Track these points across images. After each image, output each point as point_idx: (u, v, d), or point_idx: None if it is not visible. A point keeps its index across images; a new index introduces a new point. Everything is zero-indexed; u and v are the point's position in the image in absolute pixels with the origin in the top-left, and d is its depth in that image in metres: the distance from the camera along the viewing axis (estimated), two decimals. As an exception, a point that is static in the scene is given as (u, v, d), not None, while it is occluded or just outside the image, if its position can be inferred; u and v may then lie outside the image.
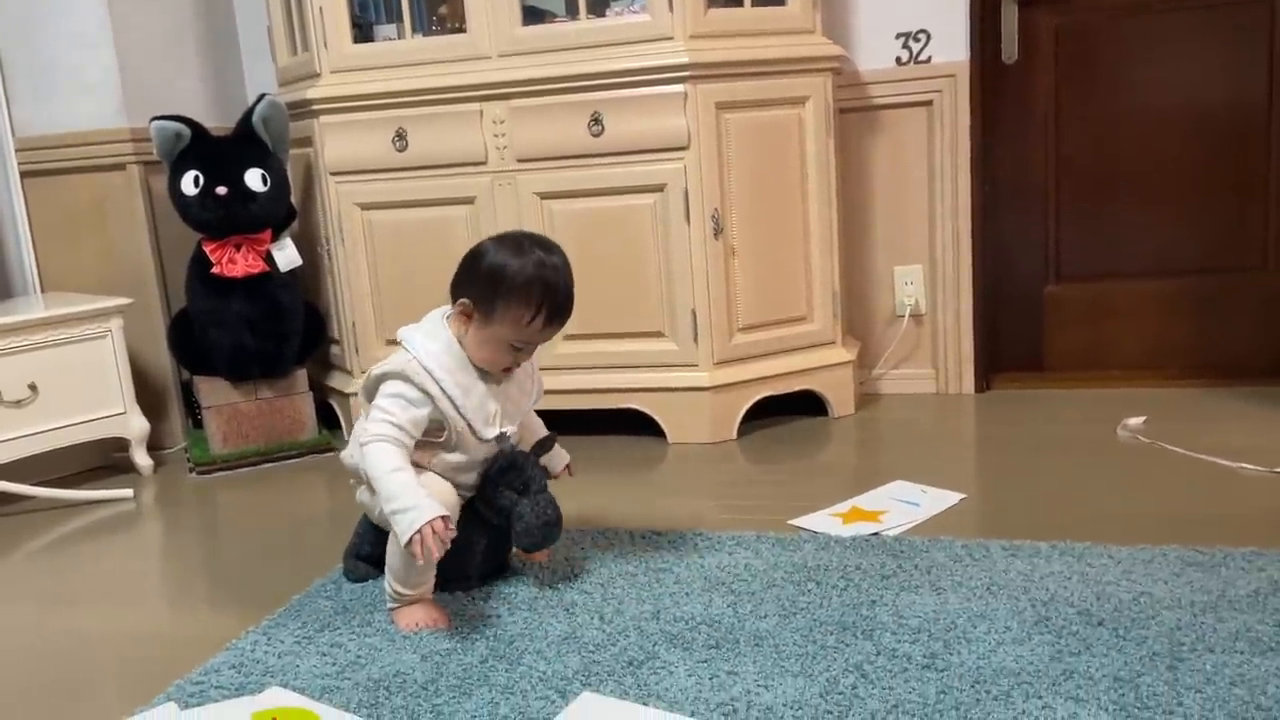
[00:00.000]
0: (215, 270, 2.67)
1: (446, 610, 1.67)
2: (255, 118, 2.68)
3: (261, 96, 2.71)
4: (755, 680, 1.40)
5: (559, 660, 1.50)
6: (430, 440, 1.63)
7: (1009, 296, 2.93)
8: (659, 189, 2.51)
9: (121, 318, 2.66)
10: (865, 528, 1.93)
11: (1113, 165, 2.81)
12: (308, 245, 2.88)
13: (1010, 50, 2.81)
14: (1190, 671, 1.34)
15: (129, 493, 2.52)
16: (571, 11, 2.60)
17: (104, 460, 2.78)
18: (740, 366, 2.60)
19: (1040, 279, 2.92)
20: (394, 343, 1.71)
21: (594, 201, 2.53)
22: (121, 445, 2.72)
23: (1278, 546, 1.71)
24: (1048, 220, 2.88)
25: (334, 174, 2.70)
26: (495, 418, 1.66)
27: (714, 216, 2.51)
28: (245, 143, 2.70)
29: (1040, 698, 1.31)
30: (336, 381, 2.92)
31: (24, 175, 2.86)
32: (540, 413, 1.87)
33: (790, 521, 2.00)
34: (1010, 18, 2.79)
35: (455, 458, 1.66)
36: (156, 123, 2.64)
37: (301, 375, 2.83)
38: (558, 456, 1.84)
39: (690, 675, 1.43)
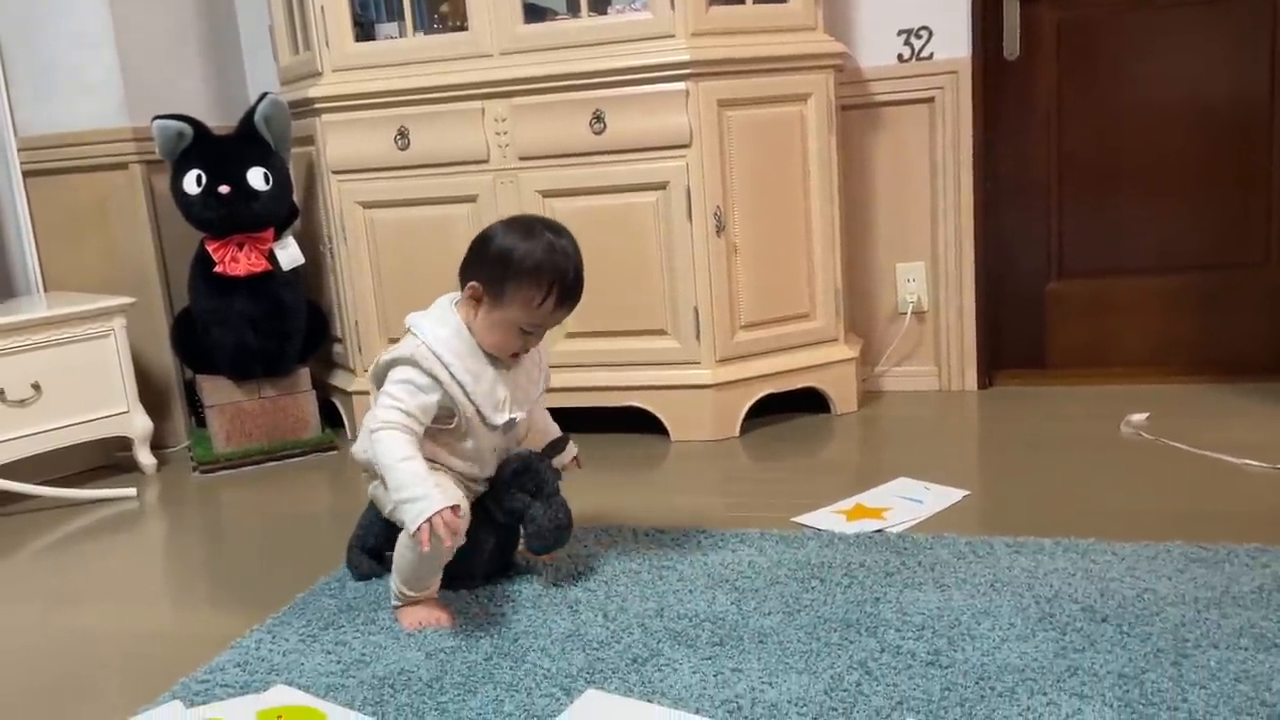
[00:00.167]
0: (218, 269, 2.67)
1: (450, 609, 1.67)
2: (257, 116, 2.68)
3: (263, 95, 2.70)
4: (760, 677, 1.40)
5: (564, 658, 1.50)
6: (440, 427, 1.63)
7: (1011, 293, 2.93)
8: (661, 187, 2.51)
9: (124, 317, 2.66)
10: (869, 525, 1.93)
11: (1115, 161, 2.81)
12: (310, 244, 2.88)
13: (1012, 46, 2.81)
14: (1194, 668, 1.34)
15: (132, 492, 2.52)
16: (573, 9, 2.60)
17: (107, 459, 2.78)
18: (743, 364, 2.60)
19: (1043, 275, 2.92)
20: (397, 341, 1.71)
21: (596, 199, 2.53)
22: (125, 444, 2.72)
23: (1282, 542, 1.71)
24: (1050, 216, 2.88)
25: (336, 173, 2.70)
26: (505, 404, 1.65)
27: (716, 214, 2.51)
28: (247, 141, 2.70)
29: (1045, 694, 1.31)
30: (339, 380, 2.92)
31: (26, 175, 2.86)
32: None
33: (794, 519, 2.00)
34: (1012, 13, 2.79)
35: (465, 445, 1.65)
36: (159, 122, 2.64)
37: (304, 374, 2.83)
38: (566, 450, 1.84)
39: (695, 672, 1.43)
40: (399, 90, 2.59)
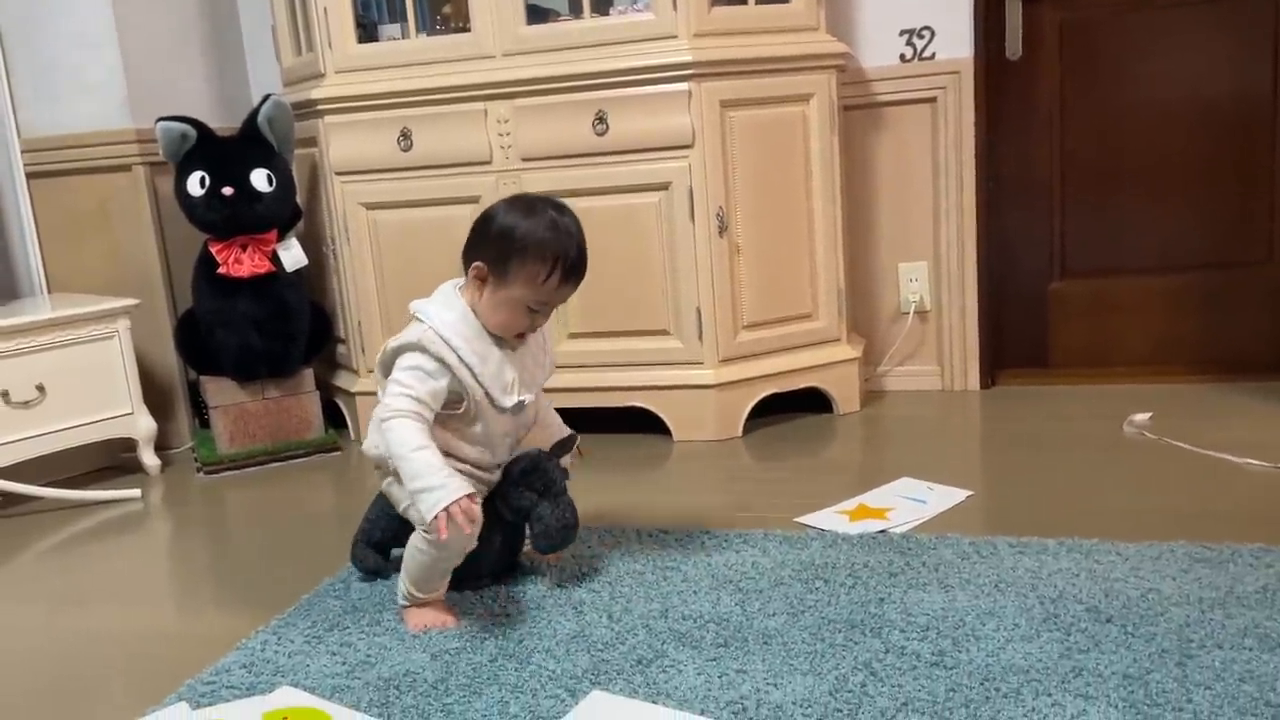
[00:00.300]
0: (221, 270, 2.68)
1: (456, 611, 1.67)
2: (260, 118, 2.69)
3: (267, 97, 2.71)
4: (764, 678, 1.40)
5: (568, 659, 1.50)
6: (450, 413, 1.61)
7: (1014, 292, 2.93)
8: (664, 187, 2.51)
9: (128, 318, 2.66)
10: (872, 525, 1.94)
11: (1117, 160, 2.81)
12: (313, 245, 2.89)
13: (1014, 46, 2.81)
14: (1199, 668, 1.34)
15: (137, 493, 2.53)
16: (575, 10, 2.60)
17: (111, 460, 2.79)
18: (745, 364, 2.61)
19: (1045, 275, 2.92)
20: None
21: (599, 200, 2.53)
22: (129, 445, 2.72)
23: (1285, 542, 1.71)
24: (1052, 216, 2.88)
25: (339, 174, 2.71)
26: (513, 386, 1.65)
27: (719, 214, 2.51)
28: (251, 143, 2.70)
29: (1050, 695, 1.31)
30: (343, 381, 2.93)
31: (30, 176, 2.86)
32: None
33: (797, 519, 2.00)
34: (1014, 13, 2.79)
35: (474, 430, 1.64)
36: (162, 123, 2.64)
37: (308, 374, 2.84)
38: (562, 431, 1.83)
39: (699, 674, 1.43)
40: (402, 92, 2.60)
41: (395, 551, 1.79)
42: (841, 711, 1.31)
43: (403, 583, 1.65)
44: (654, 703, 1.37)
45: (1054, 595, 1.58)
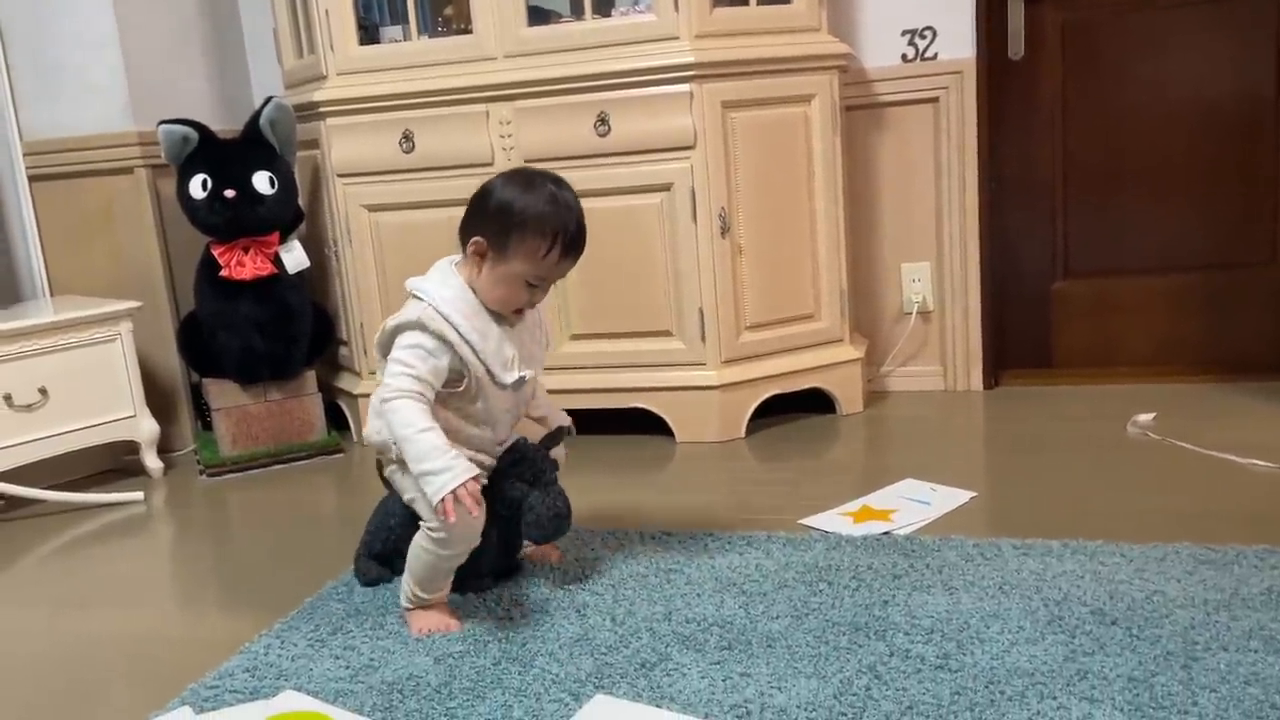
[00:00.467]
0: (224, 273, 2.68)
1: (459, 614, 1.67)
2: (262, 120, 2.69)
3: (269, 99, 2.71)
4: (769, 682, 1.40)
5: (571, 663, 1.50)
6: (450, 391, 1.60)
7: (1016, 293, 2.93)
8: (666, 188, 2.51)
9: (131, 321, 2.67)
10: (876, 527, 1.93)
11: (1120, 161, 2.80)
12: (315, 247, 2.89)
13: (1016, 47, 2.80)
14: (1204, 670, 1.34)
15: (139, 495, 2.53)
16: (577, 12, 2.60)
17: (114, 463, 2.79)
18: (748, 365, 2.60)
19: (1048, 275, 2.91)
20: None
21: (601, 201, 2.51)
22: (132, 448, 2.73)
23: (1290, 543, 1.71)
24: (1055, 216, 2.88)
25: (341, 176, 2.71)
26: (513, 362, 1.63)
27: (721, 215, 2.51)
28: (252, 145, 2.70)
29: (1055, 698, 1.31)
30: (345, 383, 2.93)
31: (32, 179, 2.86)
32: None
33: (800, 521, 2.00)
34: (1016, 14, 2.78)
35: (475, 408, 1.62)
36: (164, 126, 2.64)
37: (310, 377, 2.84)
38: (558, 417, 1.82)
39: (703, 677, 1.43)
40: (403, 93, 2.60)
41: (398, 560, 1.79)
42: (846, 715, 1.31)
43: (406, 584, 1.65)
44: (658, 706, 1.37)
45: (1058, 597, 1.58)
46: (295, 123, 2.74)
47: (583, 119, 2.51)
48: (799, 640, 1.51)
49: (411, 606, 1.66)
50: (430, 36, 2.68)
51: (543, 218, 1.56)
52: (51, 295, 2.90)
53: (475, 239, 1.59)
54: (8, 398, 2.46)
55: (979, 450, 2.48)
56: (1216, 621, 1.47)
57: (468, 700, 1.42)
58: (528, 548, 1.88)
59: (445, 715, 1.39)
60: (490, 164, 2.59)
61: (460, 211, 2.59)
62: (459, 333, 1.57)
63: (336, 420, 2.95)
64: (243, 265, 2.68)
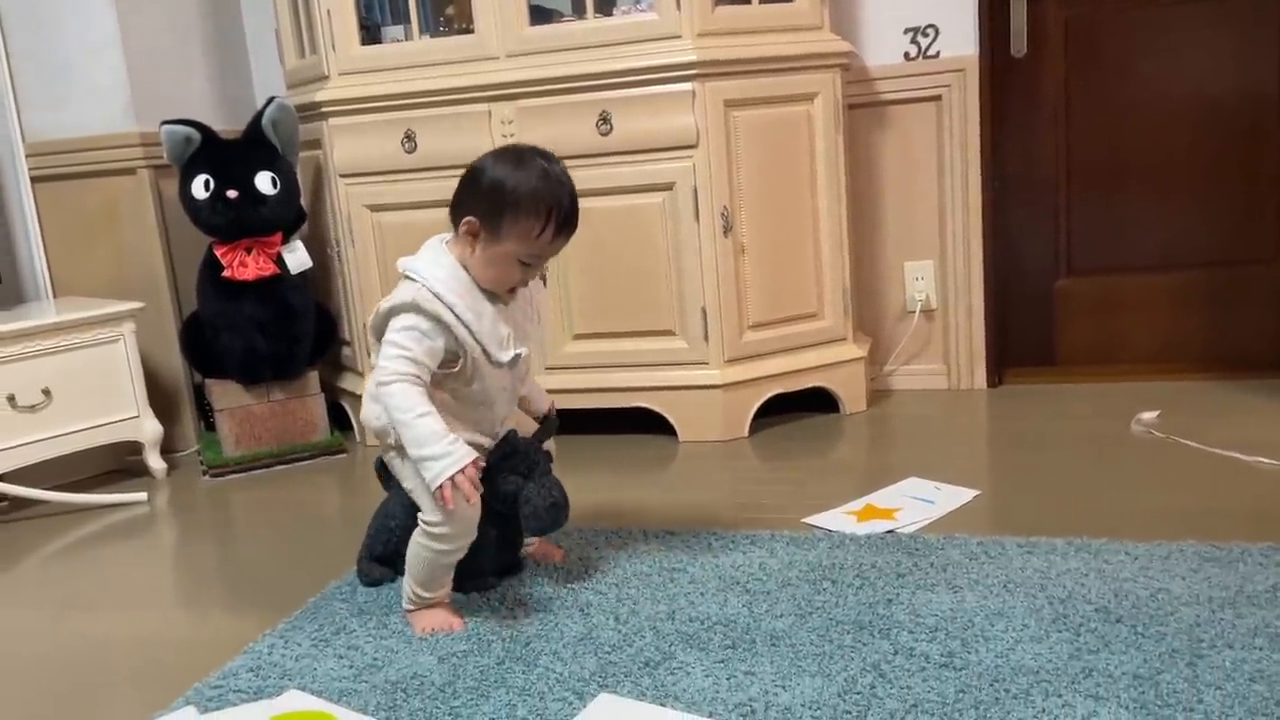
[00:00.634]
0: (226, 273, 2.68)
1: (462, 613, 1.67)
2: (265, 121, 2.69)
3: (271, 99, 2.71)
4: (773, 680, 1.40)
5: (575, 661, 1.50)
6: (445, 372, 1.59)
7: (1020, 291, 2.93)
8: (668, 187, 2.50)
9: (134, 322, 2.67)
10: (880, 525, 1.93)
11: (1123, 158, 2.80)
12: (318, 247, 2.89)
13: (1019, 44, 2.80)
14: (1210, 668, 1.34)
15: (143, 496, 2.53)
16: (578, 11, 2.60)
17: (117, 464, 2.79)
18: (751, 364, 2.60)
19: (1051, 273, 2.91)
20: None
21: (603, 201, 2.52)
22: (135, 449, 2.73)
23: (1295, 541, 1.71)
24: (1058, 214, 2.87)
25: (343, 176, 2.70)
26: (508, 340, 1.63)
27: (723, 214, 2.51)
28: (255, 146, 2.70)
29: (1060, 696, 1.30)
30: (348, 383, 2.93)
31: (35, 180, 2.87)
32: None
33: (804, 520, 2.00)
34: (1019, 11, 2.78)
35: (472, 389, 1.62)
36: (166, 127, 2.65)
37: (313, 377, 2.84)
38: (540, 400, 1.82)
39: (707, 676, 1.43)
40: (406, 93, 2.59)
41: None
42: (850, 713, 1.31)
43: (408, 585, 1.65)
44: (662, 705, 1.37)
45: (1063, 595, 1.57)
46: (297, 123, 2.74)
47: (585, 118, 2.51)
48: (803, 639, 1.51)
49: (414, 608, 1.66)
50: (432, 36, 2.68)
51: (536, 196, 1.55)
52: (54, 296, 2.90)
53: (467, 219, 1.58)
54: (11, 399, 2.46)
55: (983, 449, 2.47)
56: (1221, 619, 1.46)
57: (472, 699, 1.42)
58: (530, 546, 1.88)
59: (449, 714, 1.38)
60: (492, 163, 2.59)
61: (463, 211, 2.62)
62: (454, 313, 1.55)
63: (339, 420, 2.95)
64: (245, 266, 2.68)
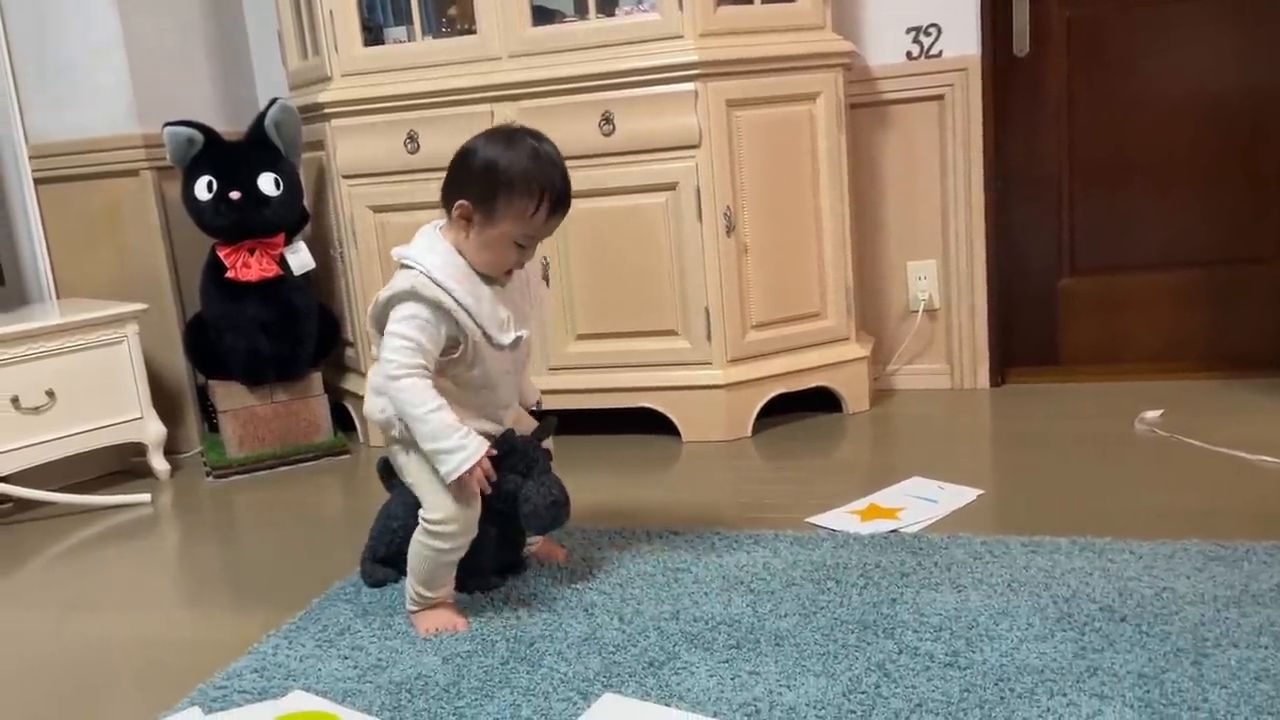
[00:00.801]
0: (229, 275, 2.68)
1: (465, 613, 1.67)
2: (267, 122, 2.69)
3: (273, 101, 2.71)
4: (777, 680, 1.40)
5: (580, 662, 1.50)
6: (447, 358, 1.59)
7: (1023, 290, 2.92)
8: (671, 187, 2.50)
9: (137, 323, 2.67)
10: (883, 525, 1.93)
11: (1126, 157, 2.79)
12: (321, 248, 2.89)
13: (1022, 43, 2.80)
14: (1215, 667, 1.34)
15: (146, 497, 2.53)
16: (581, 11, 2.60)
17: (121, 465, 2.79)
18: (754, 364, 2.60)
19: (1054, 272, 2.91)
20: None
21: (606, 201, 2.52)
22: (138, 450, 2.73)
23: (1300, 539, 1.70)
24: (1061, 213, 2.87)
25: (346, 177, 2.71)
26: (508, 322, 1.63)
27: (726, 214, 2.51)
28: (258, 147, 2.71)
29: (1065, 695, 1.30)
30: (351, 384, 2.93)
31: (38, 182, 2.87)
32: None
33: (808, 519, 2.00)
34: (1021, 10, 2.78)
35: (474, 374, 1.61)
36: (169, 128, 2.65)
37: (316, 378, 2.84)
38: (530, 392, 1.83)
39: (712, 675, 1.43)
40: (408, 94, 2.60)
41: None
42: (855, 713, 1.30)
43: (410, 585, 1.65)
44: (666, 705, 1.37)
45: (1067, 594, 1.57)
46: (300, 124, 2.75)
47: (587, 118, 2.51)
48: (807, 638, 1.51)
49: (418, 608, 1.66)
50: (434, 37, 2.68)
51: (529, 176, 1.55)
52: (58, 298, 2.91)
53: (460, 203, 1.57)
54: (15, 400, 2.47)
55: (986, 448, 2.47)
56: (1226, 618, 1.46)
57: (476, 700, 1.42)
58: (532, 546, 1.88)
59: (454, 714, 1.39)
60: (495, 164, 2.59)
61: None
62: (453, 297, 1.55)
63: (343, 421, 2.95)
64: (248, 267, 2.69)
